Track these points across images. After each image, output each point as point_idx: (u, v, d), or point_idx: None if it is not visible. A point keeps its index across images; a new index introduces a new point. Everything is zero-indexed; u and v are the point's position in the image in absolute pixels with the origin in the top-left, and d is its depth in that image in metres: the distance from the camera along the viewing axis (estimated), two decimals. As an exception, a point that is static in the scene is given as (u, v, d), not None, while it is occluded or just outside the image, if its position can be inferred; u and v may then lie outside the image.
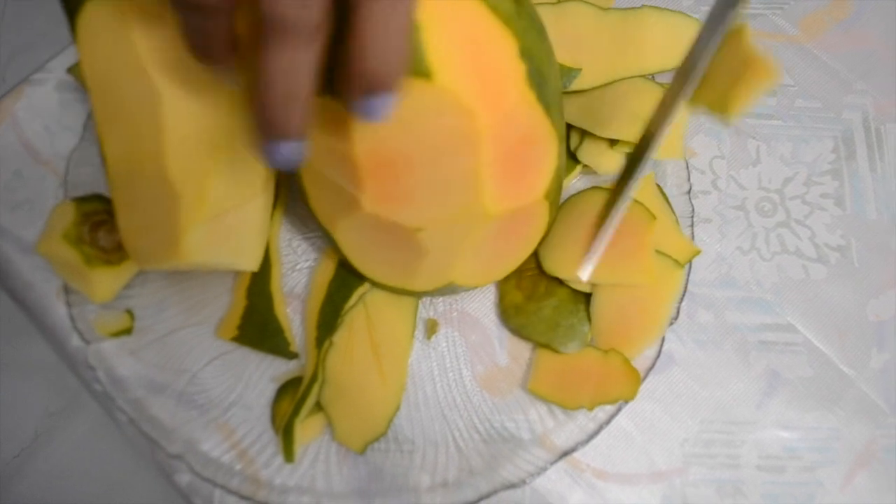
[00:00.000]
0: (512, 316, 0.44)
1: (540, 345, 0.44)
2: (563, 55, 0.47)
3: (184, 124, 0.34)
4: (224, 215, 0.38)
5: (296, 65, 0.25)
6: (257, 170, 0.39)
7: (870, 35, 0.52)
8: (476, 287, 0.44)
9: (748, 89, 0.32)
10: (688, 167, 0.46)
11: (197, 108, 0.34)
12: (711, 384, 0.45)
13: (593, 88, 0.47)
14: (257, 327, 0.44)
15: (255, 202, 0.40)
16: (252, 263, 0.41)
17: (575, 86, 0.47)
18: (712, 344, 0.45)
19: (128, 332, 0.43)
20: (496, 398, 0.43)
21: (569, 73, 0.47)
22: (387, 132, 0.32)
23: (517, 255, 0.43)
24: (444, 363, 0.44)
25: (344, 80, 0.27)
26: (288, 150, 0.28)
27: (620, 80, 0.47)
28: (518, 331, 0.44)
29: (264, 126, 0.27)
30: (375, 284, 0.44)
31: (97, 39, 0.34)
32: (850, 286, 0.47)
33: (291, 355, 0.44)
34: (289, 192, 0.46)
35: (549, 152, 0.38)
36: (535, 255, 0.45)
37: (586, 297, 0.44)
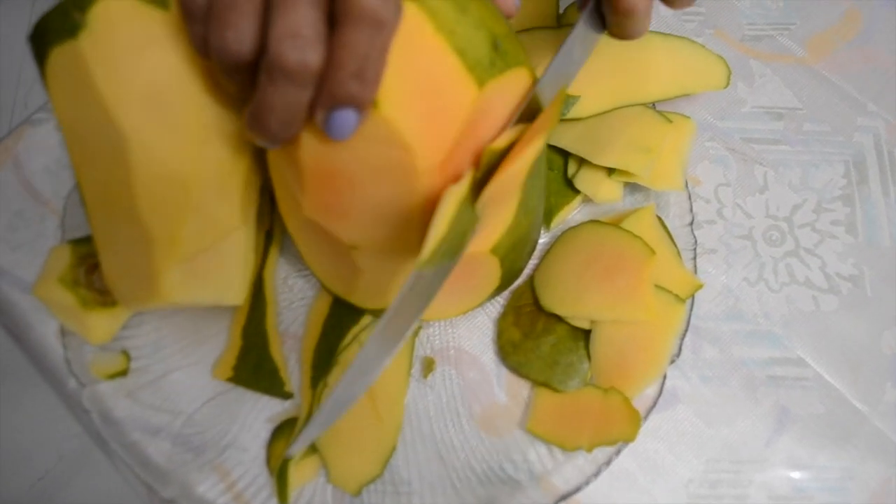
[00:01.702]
0: (510, 353, 0.43)
1: (538, 383, 0.43)
2: None
3: (152, 166, 0.34)
4: (202, 253, 0.37)
5: (296, 102, 0.29)
6: (234, 203, 0.38)
7: (880, 53, 0.51)
8: (424, 320, 0.43)
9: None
10: (690, 198, 0.45)
11: (165, 148, 0.34)
12: (718, 422, 0.43)
13: (592, 116, 0.46)
14: (252, 367, 0.43)
15: (234, 236, 0.39)
16: (237, 298, 0.40)
17: (573, 113, 0.46)
18: (718, 380, 0.44)
19: (123, 373, 0.43)
20: (494, 438, 0.42)
21: (567, 99, 0.46)
22: (332, 146, 0.31)
23: (464, 301, 0.42)
24: (441, 402, 0.43)
25: (318, 93, 0.29)
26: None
27: (621, 107, 0.46)
28: (516, 369, 0.43)
29: (258, 136, 0.30)
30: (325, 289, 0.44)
31: (65, 84, 0.34)
32: (863, 317, 0.45)
33: (286, 395, 0.43)
34: (283, 230, 0.46)
35: (504, 208, 0.37)
36: (533, 291, 0.44)
37: (586, 334, 0.43)
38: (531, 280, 0.45)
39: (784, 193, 0.47)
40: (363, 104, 0.29)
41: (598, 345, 0.42)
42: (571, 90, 0.46)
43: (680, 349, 0.42)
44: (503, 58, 0.34)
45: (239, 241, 0.40)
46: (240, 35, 0.28)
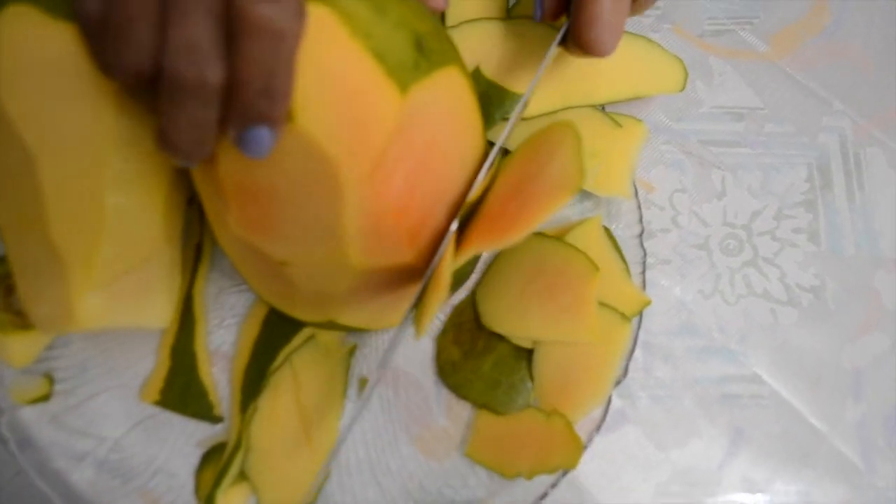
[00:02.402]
0: (449, 374, 0.41)
1: (479, 405, 0.41)
2: (507, 78, 0.43)
3: (62, 184, 0.32)
4: (123, 276, 0.36)
5: (202, 120, 0.27)
6: (154, 221, 0.36)
7: (849, 48, 0.48)
8: (364, 329, 0.41)
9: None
10: (640, 207, 0.43)
11: (75, 166, 0.32)
12: (668, 444, 0.41)
13: (539, 116, 0.44)
14: (181, 390, 0.42)
15: (157, 259, 0.37)
16: (161, 321, 0.39)
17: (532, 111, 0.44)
18: (670, 399, 0.42)
19: (45, 398, 0.41)
20: (433, 462, 0.41)
21: (511, 97, 0.44)
22: (252, 161, 0.29)
23: (404, 309, 0.40)
24: (378, 425, 0.41)
25: (227, 110, 0.27)
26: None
27: (567, 108, 0.44)
28: (456, 389, 0.41)
29: (170, 155, 0.28)
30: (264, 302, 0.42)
31: None
32: (824, 331, 0.43)
33: (216, 419, 0.41)
34: (214, 242, 0.44)
35: None
36: (474, 307, 0.42)
37: (528, 354, 0.41)
38: (473, 295, 0.42)
39: (743, 199, 0.45)
40: (276, 121, 0.27)
41: (541, 365, 0.40)
42: (518, 89, 0.44)
43: (626, 370, 0.40)
44: (428, 58, 0.32)
45: (162, 262, 0.38)
46: (137, 50, 0.26)
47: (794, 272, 0.44)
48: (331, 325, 0.40)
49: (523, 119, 0.44)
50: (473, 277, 0.43)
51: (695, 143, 0.46)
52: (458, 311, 0.42)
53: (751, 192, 0.45)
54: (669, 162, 0.46)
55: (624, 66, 0.44)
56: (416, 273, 0.36)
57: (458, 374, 0.41)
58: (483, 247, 0.33)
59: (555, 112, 0.44)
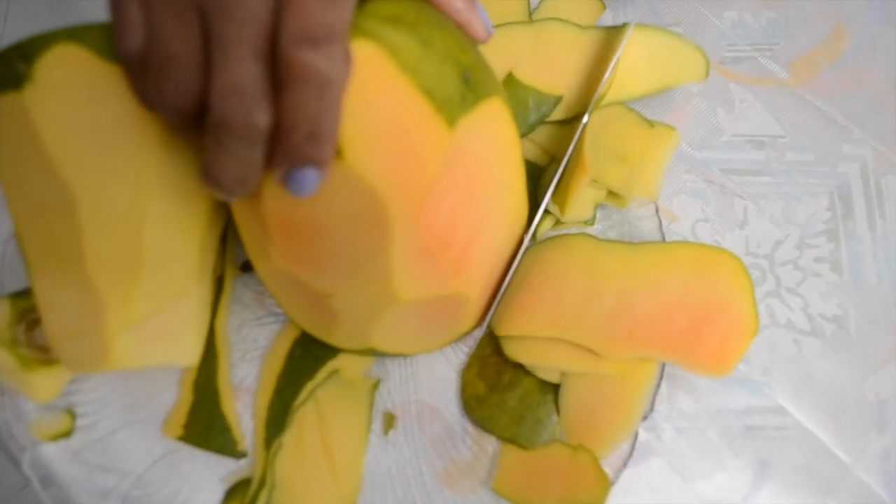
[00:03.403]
0: (474, 408, 0.41)
1: (505, 439, 0.40)
2: (541, 81, 0.44)
3: (102, 224, 0.32)
4: (156, 316, 0.36)
5: (248, 160, 0.27)
6: (190, 262, 0.36)
7: (868, 74, 0.48)
8: (403, 355, 0.42)
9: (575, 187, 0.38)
10: (664, 238, 0.42)
11: (116, 207, 0.32)
12: (693, 476, 0.41)
13: (573, 119, 0.44)
14: (204, 425, 0.41)
15: (189, 297, 0.37)
16: (191, 359, 0.39)
17: (554, 115, 0.45)
18: (694, 431, 0.42)
19: (67, 434, 0.41)
20: (458, 497, 0.40)
21: (548, 100, 0.44)
22: (296, 200, 0.29)
23: (445, 336, 0.41)
24: (403, 459, 0.41)
25: (273, 152, 0.27)
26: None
27: (599, 108, 0.44)
28: (481, 424, 0.41)
29: (215, 191, 0.28)
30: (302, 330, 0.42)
31: (6, 135, 0.31)
32: (847, 361, 0.43)
33: (240, 455, 0.41)
34: (235, 274, 0.44)
35: None
36: (496, 340, 0.41)
37: (555, 388, 0.40)
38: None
39: (765, 229, 0.45)
40: (322, 163, 0.27)
41: (568, 399, 0.40)
42: (552, 89, 0.44)
43: (653, 403, 0.40)
44: (474, 90, 0.32)
45: (194, 302, 0.38)
46: (180, 88, 0.26)
47: (817, 302, 0.44)
48: (368, 352, 0.41)
49: (557, 122, 0.45)
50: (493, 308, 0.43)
51: (717, 172, 0.46)
52: (482, 344, 0.42)
53: (773, 222, 0.45)
54: (691, 191, 0.46)
55: (649, 59, 0.44)
56: (460, 299, 0.37)
57: (483, 408, 0.41)
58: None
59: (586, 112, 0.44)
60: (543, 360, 0.40)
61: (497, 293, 0.41)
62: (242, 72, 0.25)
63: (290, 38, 0.24)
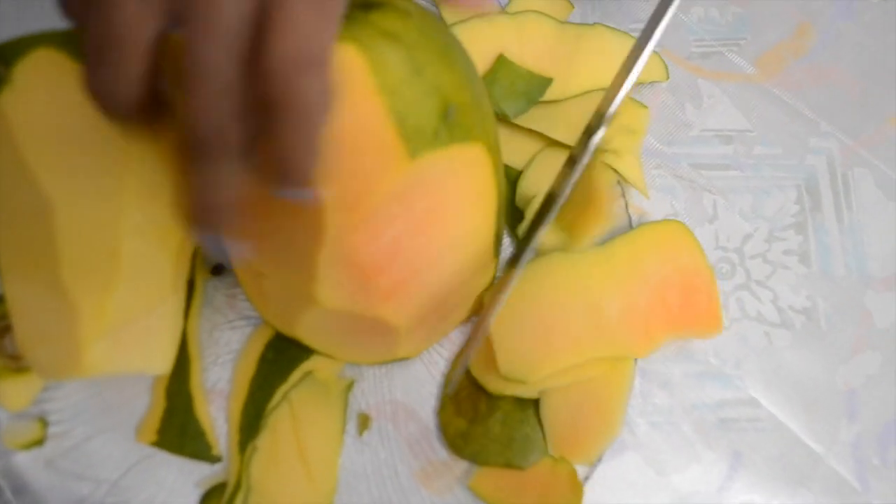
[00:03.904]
0: (462, 447, 0.40)
1: (501, 466, 0.40)
2: (528, 65, 0.45)
3: (79, 232, 0.31)
4: (130, 324, 0.35)
5: (220, 178, 0.25)
6: (165, 271, 0.36)
7: (834, 69, 0.48)
8: (331, 357, 0.42)
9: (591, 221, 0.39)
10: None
11: (93, 214, 0.31)
12: (668, 469, 0.41)
13: (565, 99, 0.45)
14: (178, 430, 0.41)
15: (163, 306, 0.37)
16: (163, 367, 0.39)
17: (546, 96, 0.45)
18: (668, 425, 0.42)
19: (40, 442, 0.41)
20: (435, 496, 0.40)
21: (540, 81, 0.45)
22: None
23: (376, 353, 0.41)
24: (379, 460, 0.41)
25: (264, 167, 0.26)
26: (216, 242, 0.27)
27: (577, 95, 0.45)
28: (473, 459, 0.40)
29: (194, 224, 0.26)
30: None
31: None
32: (818, 352, 0.43)
33: (214, 459, 0.41)
34: (205, 281, 0.43)
35: None
36: (467, 373, 0.41)
37: (534, 402, 0.40)
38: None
39: (734, 223, 0.45)
40: (300, 186, 0.26)
41: (550, 411, 0.40)
42: (546, 72, 0.45)
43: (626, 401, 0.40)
44: (451, 130, 0.32)
45: (168, 312, 0.38)
46: (122, 73, 0.24)
47: (787, 294, 0.44)
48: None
49: (553, 101, 0.45)
50: (460, 341, 0.43)
51: (686, 167, 0.46)
52: (447, 382, 0.42)
53: (742, 216, 0.46)
54: (661, 187, 0.46)
55: (609, 63, 0.45)
56: (388, 327, 0.37)
57: (470, 444, 0.40)
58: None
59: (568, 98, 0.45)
60: (528, 386, 0.40)
61: (475, 335, 0.40)
62: (219, 86, 0.23)
63: (277, 57, 0.22)
